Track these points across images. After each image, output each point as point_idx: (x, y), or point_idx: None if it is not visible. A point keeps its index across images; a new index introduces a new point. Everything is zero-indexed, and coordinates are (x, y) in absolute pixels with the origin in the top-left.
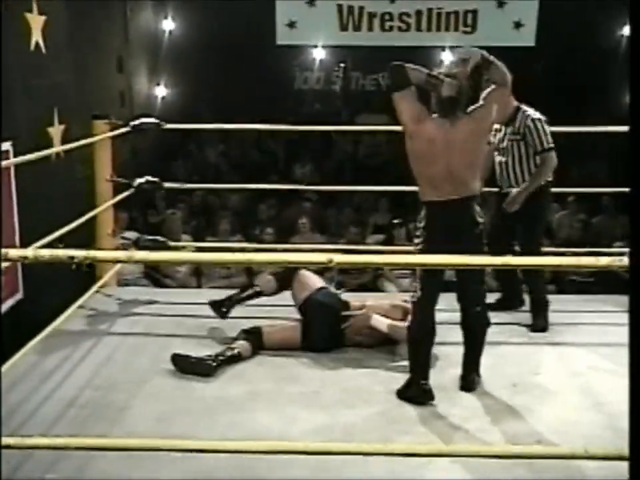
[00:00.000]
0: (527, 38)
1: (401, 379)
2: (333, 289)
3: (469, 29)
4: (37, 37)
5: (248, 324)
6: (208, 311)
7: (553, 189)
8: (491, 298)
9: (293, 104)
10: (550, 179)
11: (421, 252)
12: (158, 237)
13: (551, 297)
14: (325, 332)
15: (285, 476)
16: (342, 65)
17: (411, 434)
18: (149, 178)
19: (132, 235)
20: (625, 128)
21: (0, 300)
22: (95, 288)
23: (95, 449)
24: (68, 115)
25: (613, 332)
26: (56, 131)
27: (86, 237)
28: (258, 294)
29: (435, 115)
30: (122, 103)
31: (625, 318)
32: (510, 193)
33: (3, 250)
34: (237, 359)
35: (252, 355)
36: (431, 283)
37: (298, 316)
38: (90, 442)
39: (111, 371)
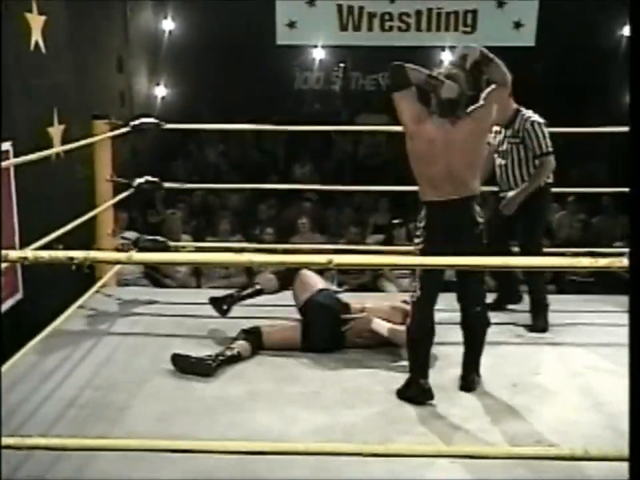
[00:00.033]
0: (526, 38)
1: (400, 378)
2: (334, 287)
3: (468, 29)
4: (36, 36)
5: (248, 324)
6: (208, 311)
7: (553, 189)
8: (489, 297)
9: (292, 104)
10: (550, 180)
11: (421, 252)
12: (158, 237)
13: (550, 297)
14: (325, 334)
15: (285, 476)
16: (342, 65)
17: (411, 434)
18: (149, 178)
19: (132, 235)
20: (624, 128)
21: (0, 300)
22: (94, 288)
23: (95, 449)
24: (68, 115)
25: (613, 332)
26: (56, 131)
27: (86, 237)
28: (259, 292)
29: (435, 115)
30: (122, 103)
31: (624, 318)
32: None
33: (3, 251)
34: (236, 359)
35: (252, 355)
36: (431, 282)
37: (298, 316)
38: (90, 442)
39: (111, 371)
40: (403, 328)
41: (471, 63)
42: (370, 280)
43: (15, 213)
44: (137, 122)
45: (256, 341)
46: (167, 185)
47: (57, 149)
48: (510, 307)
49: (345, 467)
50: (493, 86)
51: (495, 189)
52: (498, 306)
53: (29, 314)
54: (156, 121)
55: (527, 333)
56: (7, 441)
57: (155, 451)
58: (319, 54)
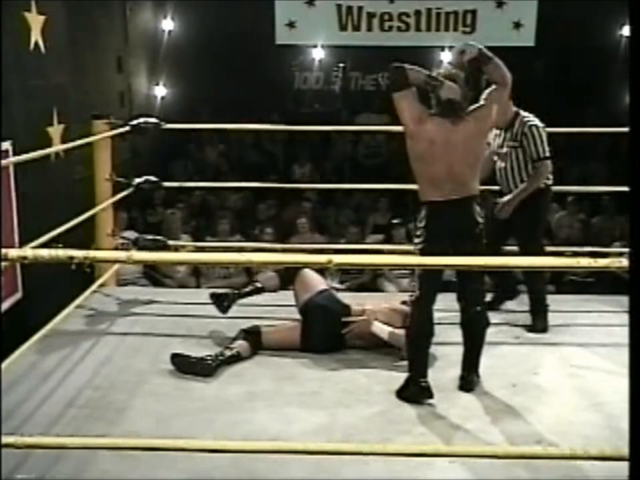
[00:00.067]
0: (526, 38)
1: (400, 378)
2: (335, 284)
3: (468, 29)
4: (36, 36)
5: (247, 324)
6: (207, 310)
7: (553, 188)
8: (487, 296)
9: (292, 104)
10: (550, 182)
11: (421, 252)
12: (157, 237)
13: (550, 297)
14: (325, 336)
15: (284, 476)
16: (341, 65)
17: (411, 434)
18: (148, 178)
19: (131, 234)
20: (624, 128)
21: (0, 299)
22: (94, 287)
23: (95, 448)
24: (67, 115)
25: (613, 332)
26: (55, 130)
27: (86, 237)
28: (259, 290)
29: (435, 116)
30: (121, 103)
31: (624, 318)
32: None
33: (3, 250)
34: (236, 358)
35: (251, 355)
36: (430, 282)
37: (298, 316)
38: (89, 441)
39: (110, 371)
40: (403, 332)
41: (468, 59)
42: (369, 280)
43: (15, 212)
44: (136, 121)
45: (255, 340)
46: (166, 184)
47: (57, 147)
48: (510, 307)
49: (343, 467)
50: (494, 86)
51: (495, 188)
52: (496, 303)
53: (28, 313)
54: (155, 120)
55: (526, 333)
56: (6, 439)
57: (154, 449)
58: (318, 54)
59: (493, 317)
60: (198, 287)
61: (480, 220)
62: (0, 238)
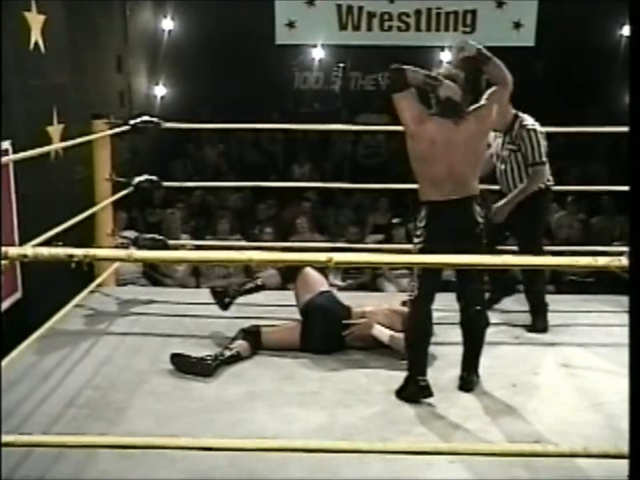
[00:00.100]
0: (526, 38)
1: (400, 378)
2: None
3: (468, 29)
4: (36, 36)
5: (247, 324)
6: (207, 310)
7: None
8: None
9: (292, 104)
10: (551, 182)
11: (420, 251)
12: (157, 236)
13: (550, 297)
14: (325, 337)
15: (284, 476)
16: (341, 64)
17: (410, 434)
18: (148, 177)
19: (131, 234)
20: (624, 128)
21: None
22: (93, 287)
23: (94, 447)
24: (67, 114)
25: (613, 332)
26: (55, 130)
27: (85, 236)
28: (260, 287)
29: (435, 115)
30: (121, 102)
31: (624, 318)
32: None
33: (3, 248)
34: (235, 358)
35: (251, 355)
36: (429, 281)
37: (298, 316)
38: (89, 441)
39: (110, 371)
40: (403, 335)
41: (466, 57)
42: (369, 280)
43: (15, 212)
44: (136, 120)
45: (255, 340)
46: (166, 184)
47: (56, 145)
48: (510, 307)
49: (343, 467)
50: (494, 87)
51: (495, 188)
52: (492, 301)
53: (28, 313)
54: (155, 119)
55: (526, 333)
56: (6, 438)
57: (154, 448)
58: (318, 54)
59: (493, 316)
60: (198, 286)
61: (480, 220)
62: (0, 237)
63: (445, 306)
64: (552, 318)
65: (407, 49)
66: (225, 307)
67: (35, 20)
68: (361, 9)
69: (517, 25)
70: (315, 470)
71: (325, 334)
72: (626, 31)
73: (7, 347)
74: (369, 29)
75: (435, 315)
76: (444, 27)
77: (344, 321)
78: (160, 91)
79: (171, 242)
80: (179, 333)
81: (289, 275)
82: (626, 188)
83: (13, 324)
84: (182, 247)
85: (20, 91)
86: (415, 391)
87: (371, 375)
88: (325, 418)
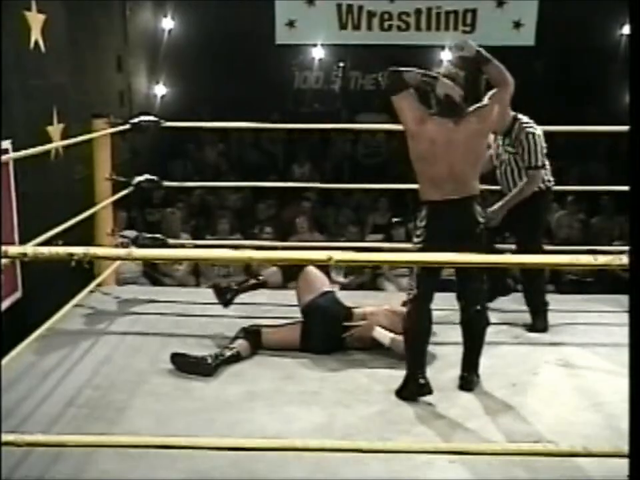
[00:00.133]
0: (526, 37)
1: (400, 378)
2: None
3: (468, 29)
4: (36, 35)
5: (248, 323)
6: (207, 310)
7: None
8: None
9: (292, 103)
10: (551, 183)
11: (420, 251)
12: (157, 235)
13: (550, 297)
14: (325, 339)
15: (284, 476)
16: (341, 64)
17: (410, 434)
18: (148, 177)
19: (131, 233)
20: (624, 128)
21: (0, 298)
22: (93, 287)
23: (94, 446)
24: (67, 114)
25: (612, 332)
26: (55, 129)
27: (85, 235)
28: (263, 284)
29: (436, 115)
30: (121, 102)
31: (624, 318)
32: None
33: (3, 247)
34: (236, 358)
35: (251, 355)
36: (427, 281)
37: (298, 315)
38: (89, 440)
39: (110, 370)
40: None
41: (463, 57)
42: (369, 279)
43: (15, 212)
44: (136, 120)
45: (255, 340)
46: (166, 183)
47: (56, 144)
48: (510, 307)
49: (343, 467)
50: (496, 89)
51: (495, 187)
52: (488, 299)
53: (28, 312)
54: (155, 119)
55: (526, 332)
56: (6, 437)
57: (154, 447)
58: (318, 53)
59: (493, 316)
60: (198, 286)
61: (481, 219)
62: (0, 236)
63: (445, 305)
64: (552, 318)
65: (407, 49)
66: (226, 303)
67: (35, 19)
68: (361, 8)
69: (517, 25)
70: (314, 470)
71: (325, 334)
72: (626, 30)
73: (6, 347)
74: (369, 28)
75: (435, 314)
76: (444, 27)
77: (345, 323)
78: (160, 90)
79: (170, 241)
80: (179, 332)
81: (291, 273)
82: (626, 188)
83: (13, 323)
84: (182, 247)
85: (20, 91)
86: (414, 388)
87: (371, 374)
88: (325, 418)
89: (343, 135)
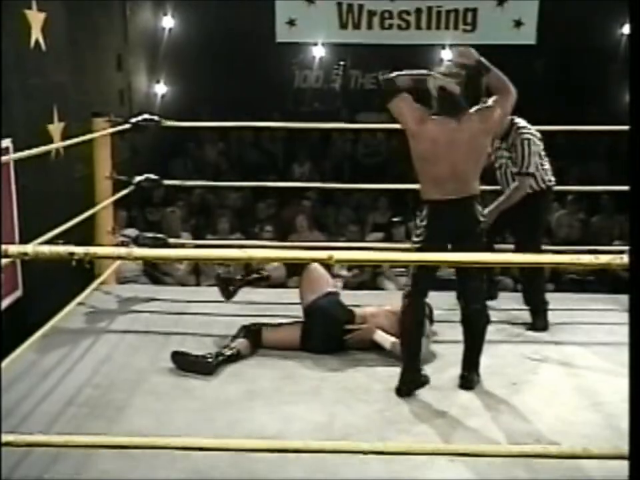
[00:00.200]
0: (527, 36)
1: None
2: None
3: (468, 27)
4: (36, 34)
5: (248, 322)
6: (207, 308)
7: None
8: None
9: (292, 103)
10: (552, 183)
11: (419, 250)
12: (157, 234)
13: (550, 296)
14: (325, 337)
15: (284, 476)
16: (341, 63)
17: (410, 433)
18: (149, 176)
19: (131, 232)
20: (624, 127)
21: (0, 297)
22: (94, 285)
23: (94, 446)
24: (68, 112)
25: (613, 331)
26: (56, 128)
27: (86, 235)
28: (266, 278)
29: (437, 115)
30: (121, 101)
31: (624, 317)
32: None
33: (3, 246)
34: (236, 357)
35: (251, 354)
36: (424, 280)
37: (299, 314)
38: (89, 440)
39: (110, 369)
40: None
41: (464, 62)
42: (369, 278)
43: (15, 211)
44: (136, 119)
45: (255, 339)
46: (166, 182)
47: (56, 144)
48: (510, 306)
49: (343, 466)
50: (497, 96)
51: (495, 187)
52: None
53: (28, 311)
54: (155, 117)
55: (526, 331)
56: (6, 437)
57: (154, 448)
58: (318, 52)
59: (493, 315)
60: (198, 285)
61: (481, 219)
62: (0, 235)
63: (445, 304)
64: (552, 316)
65: (407, 48)
66: (229, 295)
67: (36, 18)
68: (361, 7)
69: (518, 24)
70: (314, 469)
71: (326, 335)
72: (626, 30)
73: (7, 346)
74: (370, 27)
75: (435, 314)
76: (444, 26)
77: (346, 326)
78: (160, 89)
79: (171, 240)
80: (179, 331)
81: (295, 268)
82: (626, 188)
83: (13, 322)
84: (182, 246)
85: (20, 90)
86: (410, 378)
87: (371, 374)
88: (325, 417)
89: (343, 134)
